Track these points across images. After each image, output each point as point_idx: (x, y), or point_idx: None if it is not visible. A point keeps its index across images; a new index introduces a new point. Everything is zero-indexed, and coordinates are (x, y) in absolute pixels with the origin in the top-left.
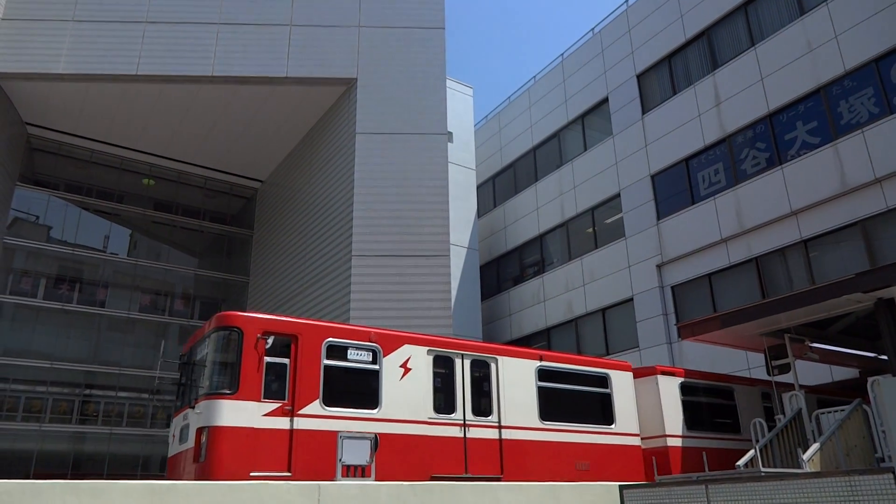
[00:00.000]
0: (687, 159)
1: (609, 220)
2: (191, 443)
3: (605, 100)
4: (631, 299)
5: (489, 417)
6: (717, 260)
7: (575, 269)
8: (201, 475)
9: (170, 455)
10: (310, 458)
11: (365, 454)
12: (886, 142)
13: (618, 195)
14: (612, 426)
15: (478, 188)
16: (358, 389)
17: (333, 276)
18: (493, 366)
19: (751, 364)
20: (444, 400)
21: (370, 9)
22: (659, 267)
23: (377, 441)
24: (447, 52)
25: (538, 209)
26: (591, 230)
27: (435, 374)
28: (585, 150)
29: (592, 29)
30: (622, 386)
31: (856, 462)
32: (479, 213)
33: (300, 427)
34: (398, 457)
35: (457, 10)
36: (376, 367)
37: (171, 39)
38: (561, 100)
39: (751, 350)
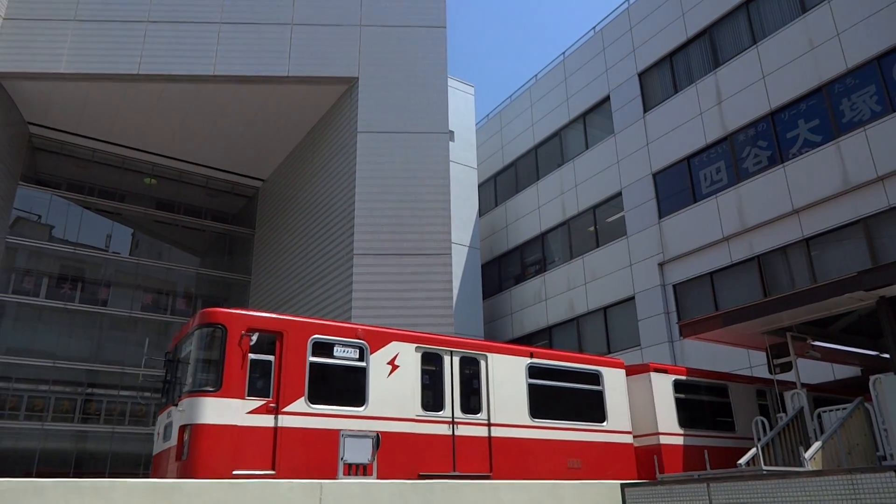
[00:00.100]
0: (688, 158)
1: (610, 219)
2: (174, 440)
3: (607, 98)
4: (632, 298)
5: (478, 415)
6: (718, 258)
7: (576, 268)
8: (183, 473)
9: (154, 453)
10: (295, 456)
11: (367, 452)
12: (888, 140)
13: (619, 194)
14: (604, 424)
15: (479, 187)
16: (344, 387)
17: (335, 275)
18: (482, 363)
19: (752, 362)
20: (432, 397)
21: (371, 8)
22: (660, 265)
23: (378, 439)
24: (448, 50)
25: (539, 208)
26: (592, 229)
27: (423, 372)
28: (587, 148)
29: (594, 27)
30: (614, 383)
31: (857, 460)
32: (481, 212)
33: (285, 425)
34: (385, 454)
35: (458, 9)
36: (363, 364)
37: (173, 39)
38: (562, 98)
39: (752, 348)
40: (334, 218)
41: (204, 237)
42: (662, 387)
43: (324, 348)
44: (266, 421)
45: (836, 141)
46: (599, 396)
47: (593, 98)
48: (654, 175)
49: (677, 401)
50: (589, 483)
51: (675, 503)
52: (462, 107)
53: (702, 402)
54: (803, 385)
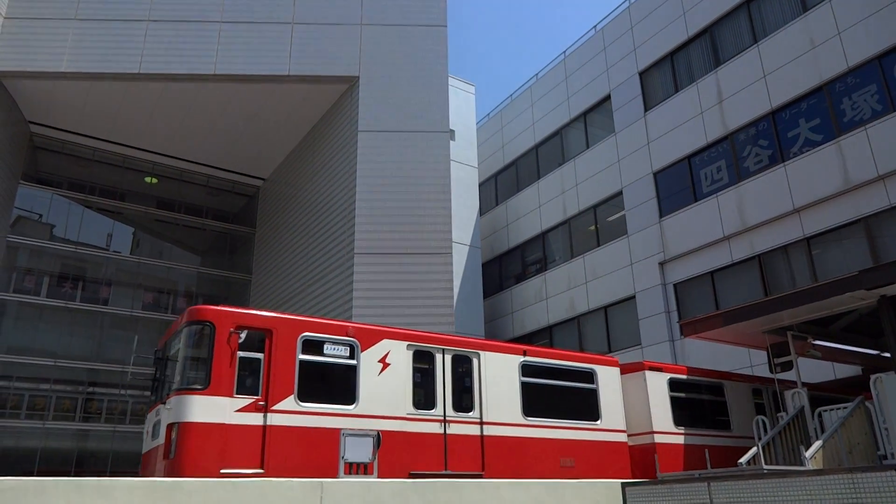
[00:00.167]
0: (689, 157)
1: (611, 218)
2: (162, 439)
3: (608, 97)
4: (633, 297)
5: (470, 413)
6: (719, 257)
7: (577, 267)
8: (171, 472)
9: (143, 451)
10: (284, 454)
11: (368, 451)
12: (889, 139)
13: (620, 193)
14: (598, 422)
15: (480, 186)
16: (335, 385)
17: (336, 274)
18: (475, 361)
19: (753, 361)
20: (424, 395)
21: (372, 6)
22: (661, 265)
23: (379, 438)
24: (449, 49)
25: (540, 207)
26: (593, 228)
27: (415, 370)
28: (587, 147)
29: (595, 26)
30: (609, 381)
31: (858, 459)
32: (482, 211)
33: (274, 423)
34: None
35: (459, 8)
36: (354, 362)
37: (174, 38)
38: (563, 97)
39: (753, 347)
40: (335, 217)
41: (205, 236)
42: (657, 385)
43: (314, 346)
44: (255, 419)
45: (836, 140)
46: (593, 395)
47: (594, 97)
48: (655, 174)
49: (672, 399)
50: (590, 482)
51: (675, 502)
52: (463, 106)
53: (697, 400)
54: (803, 384)
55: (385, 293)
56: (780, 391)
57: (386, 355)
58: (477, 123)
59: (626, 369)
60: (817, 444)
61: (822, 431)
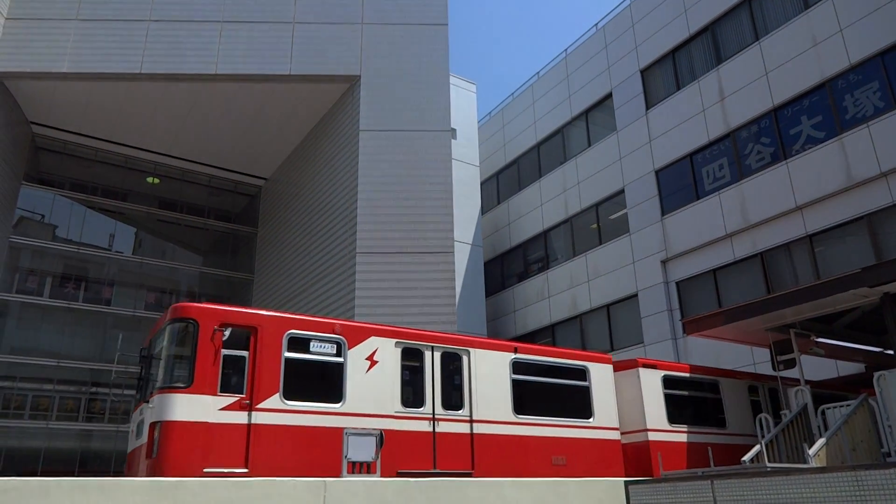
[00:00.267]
0: (691, 154)
1: (613, 216)
2: (145, 438)
3: (609, 95)
4: (635, 295)
5: (460, 411)
6: (721, 255)
7: (579, 266)
8: (153, 471)
9: (128, 450)
10: (269, 453)
11: (370, 450)
12: (892, 136)
13: (622, 191)
14: (591, 420)
15: (481, 185)
16: (321, 383)
17: (338, 274)
18: (465, 358)
19: (756, 359)
20: (412, 393)
21: (373, 6)
22: (663, 262)
23: (382, 437)
24: (450, 48)
25: (542, 205)
26: (595, 226)
27: (403, 367)
28: (589, 145)
29: (596, 24)
30: (601, 379)
31: (862, 457)
32: (483, 210)
33: (258, 422)
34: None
35: (460, 7)
36: (340, 359)
37: (175, 38)
38: (564, 96)
39: (756, 345)
40: (337, 216)
41: (207, 236)
42: (651, 382)
43: (300, 344)
44: (239, 418)
45: (839, 137)
46: (586, 392)
47: (595, 95)
48: (657, 172)
49: (666, 397)
50: (592, 480)
51: (678, 500)
52: (464, 104)
53: (692, 397)
54: (806, 382)
55: (387, 292)
56: (776, 388)
57: (373, 353)
58: (478, 122)
59: (619, 366)
60: (821, 441)
61: (826, 429)
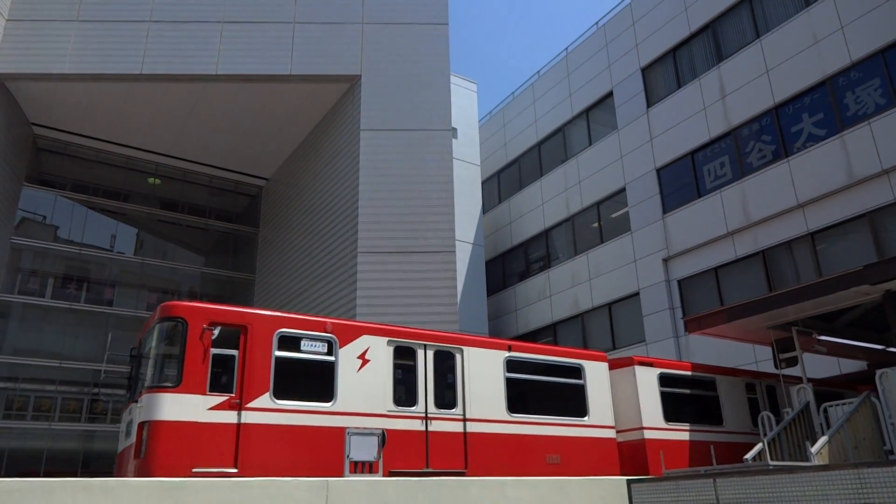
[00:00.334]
0: (692, 153)
1: (615, 215)
2: (134, 438)
3: (610, 94)
4: (637, 293)
5: (453, 410)
6: (723, 253)
7: (581, 264)
8: (140, 471)
9: (118, 451)
10: (259, 453)
11: (373, 450)
12: (893, 133)
13: (623, 189)
14: (585, 418)
15: (482, 184)
16: (312, 382)
17: (339, 273)
18: (457, 356)
19: (758, 357)
20: (405, 392)
21: (373, 5)
22: (665, 261)
23: (384, 436)
24: (451, 47)
25: (543, 204)
26: (596, 225)
27: (395, 366)
28: (590, 144)
29: (596, 23)
30: (596, 377)
31: (864, 455)
32: (484, 209)
33: (248, 421)
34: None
35: (460, 6)
36: (332, 358)
37: (176, 38)
38: (565, 94)
39: (758, 343)
40: (338, 216)
41: (208, 236)
42: (647, 380)
43: (290, 342)
44: (229, 417)
45: (840, 135)
46: (581, 390)
47: (596, 94)
48: (658, 170)
49: (663, 395)
50: (595, 479)
51: (681, 499)
52: (465, 104)
53: (689, 395)
54: (811, 379)
55: (388, 292)
56: (774, 385)
57: (365, 351)
58: (479, 121)
59: (615, 364)
60: (823, 439)
61: (828, 427)
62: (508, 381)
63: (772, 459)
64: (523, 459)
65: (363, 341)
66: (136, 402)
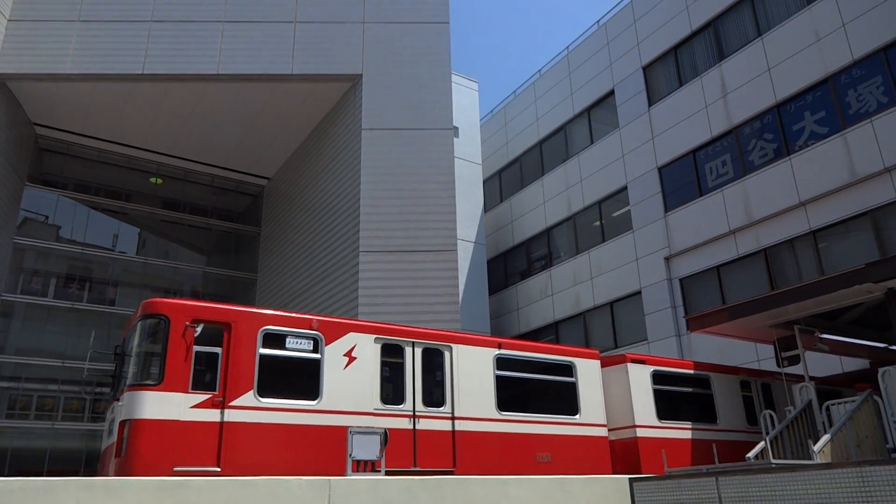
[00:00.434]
0: (694, 151)
1: (616, 213)
2: (115, 436)
3: (611, 92)
4: (639, 292)
5: (441, 408)
6: (725, 252)
7: (582, 263)
8: (121, 470)
9: (102, 449)
10: (243, 452)
11: (375, 448)
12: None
13: (625, 188)
14: (577, 416)
15: (484, 183)
16: (297, 380)
17: (341, 272)
18: (446, 354)
19: (760, 356)
20: (392, 390)
21: (374, 4)
22: (667, 259)
23: (387, 436)
24: (452, 46)
25: (545, 203)
26: (598, 223)
27: (383, 364)
28: (592, 143)
29: (598, 21)
30: (588, 374)
31: (867, 453)
32: (486, 208)
33: (231, 419)
34: (341, 449)
35: (461, 5)
36: (317, 356)
37: (177, 38)
38: (567, 93)
39: (760, 342)
40: (340, 215)
41: (210, 236)
42: (640, 378)
43: (275, 340)
44: (211, 416)
45: (842, 133)
46: (572, 388)
47: (598, 92)
48: (660, 169)
49: (656, 392)
50: (597, 478)
51: (683, 497)
52: (466, 102)
53: (682, 393)
54: (811, 377)
55: (390, 291)
56: (769, 383)
57: (352, 349)
58: (480, 120)
59: (607, 362)
60: (825, 437)
61: (830, 425)
62: (498, 379)
63: (774, 458)
64: (513, 458)
65: (350, 339)
66: (119, 400)
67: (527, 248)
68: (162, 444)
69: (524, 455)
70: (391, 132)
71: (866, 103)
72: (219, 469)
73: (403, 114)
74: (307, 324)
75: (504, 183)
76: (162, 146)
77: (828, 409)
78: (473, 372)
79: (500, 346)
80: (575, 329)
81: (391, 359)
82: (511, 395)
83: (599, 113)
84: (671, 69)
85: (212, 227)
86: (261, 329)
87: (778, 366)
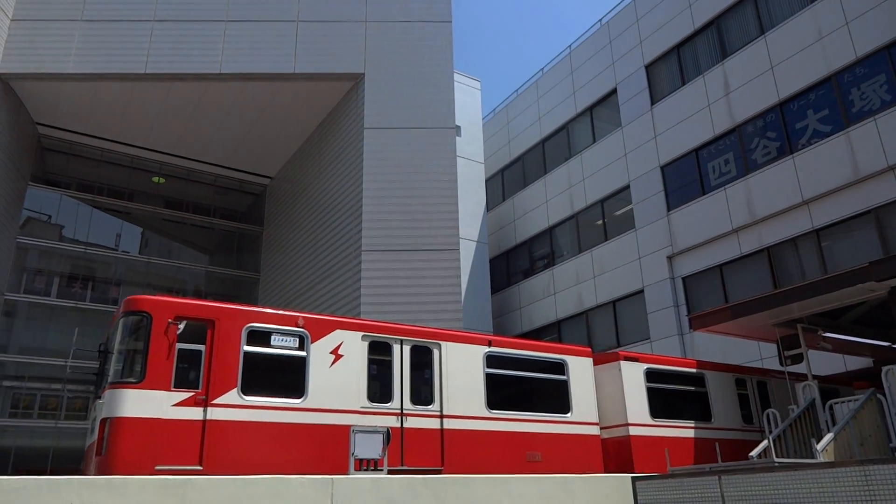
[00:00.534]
0: (697, 150)
1: (619, 212)
2: (96, 435)
3: (614, 91)
4: (641, 291)
5: (430, 406)
6: (728, 250)
7: (585, 262)
8: (102, 469)
9: (86, 447)
10: (226, 450)
11: (377, 447)
12: None
13: (627, 187)
14: (568, 415)
15: (486, 182)
16: (282, 377)
17: (344, 272)
18: (435, 352)
19: (763, 354)
20: (379, 388)
21: (377, 3)
22: (669, 258)
23: (389, 434)
24: (454, 45)
25: (547, 202)
26: (600, 222)
27: (370, 361)
28: (594, 141)
29: (600, 20)
30: (580, 372)
31: (870, 452)
32: (488, 207)
33: (214, 417)
34: (327, 448)
35: (463, 3)
36: (303, 353)
37: (179, 37)
38: (569, 92)
39: (763, 340)
40: (342, 214)
41: (212, 235)
42: (633, 376)
43: (260, 337)
44: (194, 414)
45: (845, 131)
46: (564, 386)
47: (600, 91)
48: (663, 167)
49: (649, 390)
50: (599, 476)
51: (686, 496)
52: (468, 101)
53: (676, 391)
54: (815, 377)
55: (393, 290)
56: (765, 381)
57: (338, 346)
58: (483, 119)
59: (600, 360)
60: (828, 436)
61: (833, 424)
62: (488, 377)
63: (777, 456)
64: (503, 457)
65: (336, 336)
66: (101, 397)
67: (529, 246)
68: (143, 443)
69: (514, 454)
70: (393, 131)
71: (869, 101)
72: (201, 468)
73: (406, 113)
74: (293, 321)
75: (506, 182)
76: (165, 145)
77: (831, 407)
78: (463, 370)
79: (490, 344)
80: (577, 328)
81: (379, 356)
82: (501, 393)
83: (602, 111)
84: (674, 68)
85: (214, 226)
86: (245, 326)
87: (781, 364)
